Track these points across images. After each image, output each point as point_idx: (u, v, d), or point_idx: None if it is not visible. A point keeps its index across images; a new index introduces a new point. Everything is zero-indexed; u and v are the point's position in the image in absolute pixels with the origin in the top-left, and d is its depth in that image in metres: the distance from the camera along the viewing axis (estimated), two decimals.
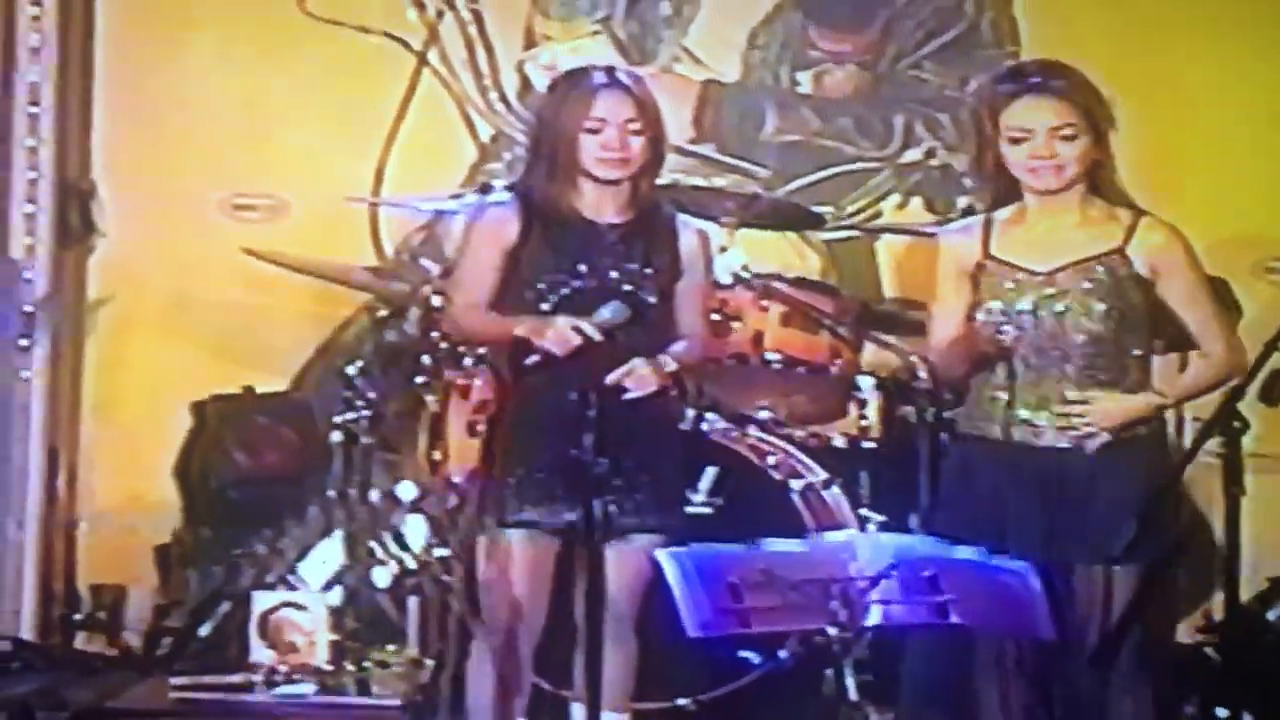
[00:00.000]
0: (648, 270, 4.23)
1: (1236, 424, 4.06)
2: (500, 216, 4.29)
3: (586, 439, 4.06)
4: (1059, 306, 4.03)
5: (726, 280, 5.31)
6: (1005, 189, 4.08)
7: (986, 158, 4.06)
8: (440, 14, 6.36)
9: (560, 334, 4.12)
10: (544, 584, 4.26)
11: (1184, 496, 4.13)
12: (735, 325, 5.31)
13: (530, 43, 6.37)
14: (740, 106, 6.34)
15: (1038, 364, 4.04)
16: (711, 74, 6.37)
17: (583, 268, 4.22)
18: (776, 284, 5.43)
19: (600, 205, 4.26)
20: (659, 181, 5.06)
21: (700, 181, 5.90)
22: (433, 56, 6.36)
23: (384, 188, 6.29)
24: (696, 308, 4.33)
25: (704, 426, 5.19)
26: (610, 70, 4.30)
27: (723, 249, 5.35)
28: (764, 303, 5.36)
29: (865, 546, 3.90)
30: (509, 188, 4.40)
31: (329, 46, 6.32)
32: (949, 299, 4.12)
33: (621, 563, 4.22)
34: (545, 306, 4.23)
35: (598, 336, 4.13)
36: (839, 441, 5.45)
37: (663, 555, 3.90)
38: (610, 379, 4.15)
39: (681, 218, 4.36)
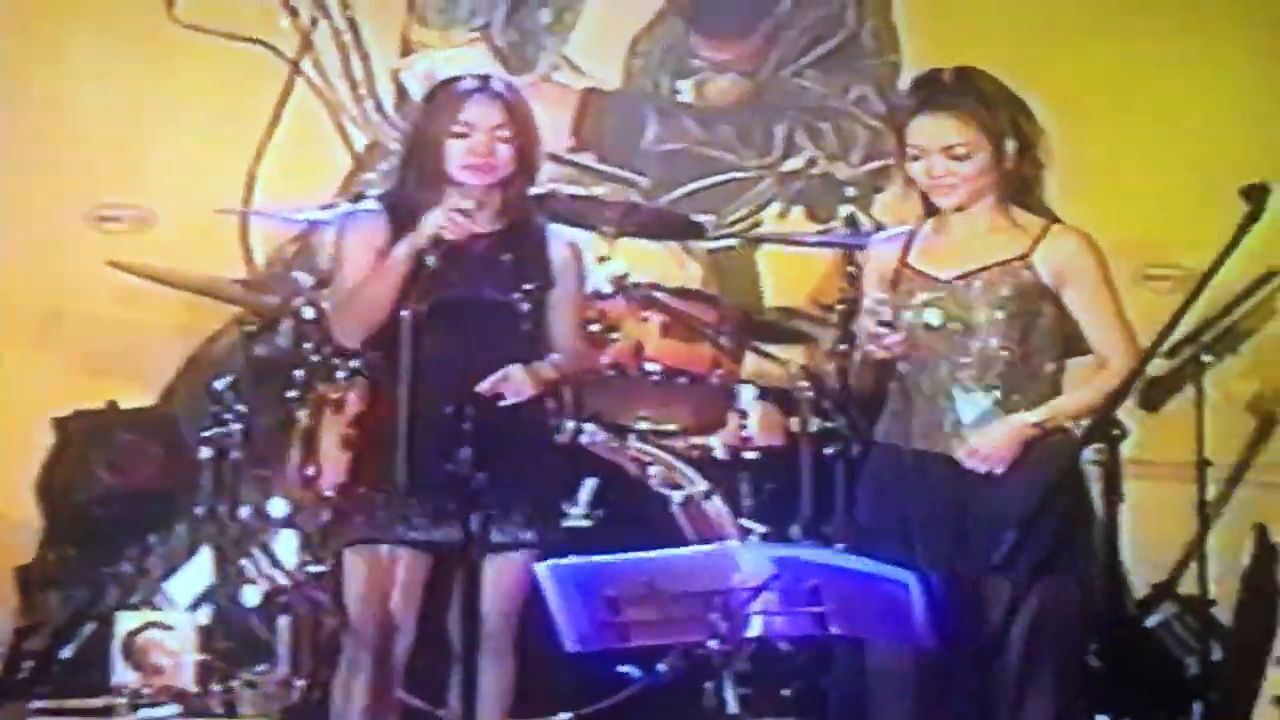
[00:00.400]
0: (519, 280, 4.24)
1: (1115, 431, 4.12)
2: (369, 224, 4.28)
3: (463, 452, 4.05)
4: (963, 314, 4.07)
5: (607, 290, 5.34)
6: (926, 203, 4.14)
7: (900, 174, 4.11)
8: (314, 21, 6.36)
9: (517, 386, 4.14)
10: (415, 601, 4.25)
11: (1080, 501, 4.13)
12: (615, 336, 5.33)
13: (406, 50, 6.37)
14: (621, 115, 6.37)
15: (942, 374, 4.08)
16: (592, 82, 6.39)
17: (453, 277, 4.21)
18: (657, 294, 5.47)
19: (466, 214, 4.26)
20: (537, 191, 5.11)
21: (580, 190, 5.95)
22: (306, 65, 6.36)
23: (255, 198, 6.27)
24: (569, 319, 4.35)
25: (583, 438, 5.20)
26: (484, 78, 4.31)
27: (602, 259, 5.38)
28: (644, 313, 5.39)
29: (747, 557, 3.90)
30: (379, 197, 4.39)
31: (202, 55, 6.31)
32: (868, 306, 4.14)
33: (498, 577, 4.22)
34: (412, 316, 4.19)
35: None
36: (720, 452, 5.47)
37: (540, 569, 3.88)
38: (484, 387, 4.16)
39: (553, 228, 4.39)
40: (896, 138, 4.08)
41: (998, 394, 4.06)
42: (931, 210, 4.12)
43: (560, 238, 4.38)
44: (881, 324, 4.02)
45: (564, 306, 4.33)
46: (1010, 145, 4.06)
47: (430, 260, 4.18)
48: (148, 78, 6.32)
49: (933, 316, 4.06)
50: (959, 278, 4.07)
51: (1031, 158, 4.09)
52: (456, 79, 4.35)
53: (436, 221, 4.18)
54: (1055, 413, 4.11)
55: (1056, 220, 4.10)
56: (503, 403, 4.17)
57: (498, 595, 4.21)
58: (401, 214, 4.27)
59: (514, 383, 4.19)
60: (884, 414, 4.16)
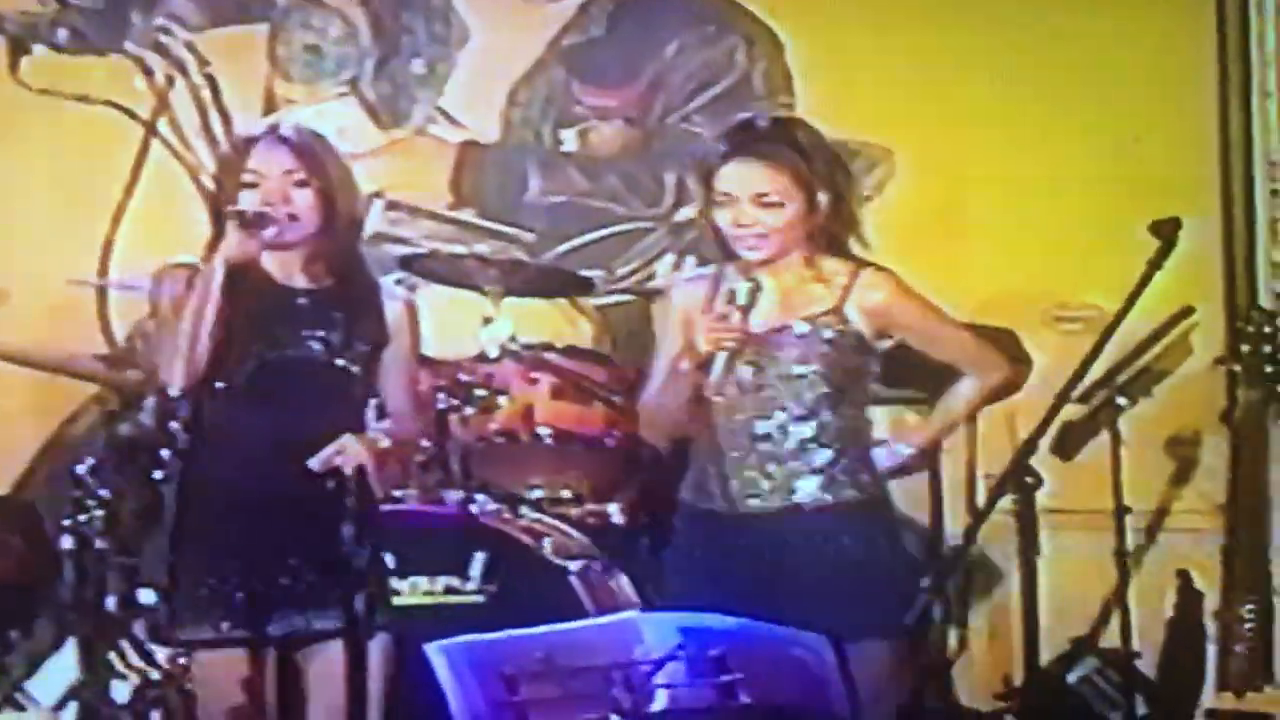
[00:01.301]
0: (350, 339, 4.20)
1: (1029, 480, 4.19)
2: (187, 279, 4.19)
3: (346, 530, 4.00)
4: (773, 372, 4.10)
5: (493, 353, 5.32)
6: (729, 251, 4.15)
7: (706, 222, 4.14)
8: (170, 80, 6.35)
9: (354, 459, 4.08)
10: (261, 700, 4.19)
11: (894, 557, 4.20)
12: (503, 400, 5.32)
13: (270, 108, 6.36)
14: (501, 168, 6.36)
15: (753, 429, 4.11)
16: (470, 134, 6.38)
17: (277, 338, 4.17)
18: (546, 355, 5.46)
19: (288, 269, 4.22)
20: (415, 250, 5.10)
21: (460, 249, 5.90)
22: (163, 126, 6.34)
23: (113, 268, 6.24)
24: (402, 381, 4.30)
25: (473, 509, 5.18)
26: (274, 125, 4.30)
27: (488, 319, 5.37)
28: (534, 375, 5.39)
29: (649, 627, 3.88)
30: (203, 256, 4.27)
31: (50, 119, 6.28)
32: (667, 349, 4.17)
33: (326, 668, 4.16)
34: (234, 380, 4.15)
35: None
36: (618, 518, 5.46)
37: (432, 649, 3.85)
38: (319, 461, 4.09)
39: (387, 284, 4.36)
40: (704, 184, 4.10)
41: (807, 452, 4.10)
42: (732, 255, 4.13)
43: (395, 295, 4.34)
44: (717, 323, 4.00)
45: (397, 368, 4.27)
46: (823, 198, 4.08)
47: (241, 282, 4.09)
48: None
49: (741, 367, 4.09)
50: (772, 331, 4.10)
51: (844, 212, 4.12)
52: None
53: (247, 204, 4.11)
54: (946, 420, 4.25)
55: (861, 266, 4.14)
56: (337, 476, 4.08)
57: (327, 687, 4.15)
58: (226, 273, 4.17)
59: (350, 456, 4.10)
60: (690, 473, 4.19)
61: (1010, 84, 6.23)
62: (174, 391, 4.16)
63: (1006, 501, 4.21)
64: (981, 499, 5.32)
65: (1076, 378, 4.11)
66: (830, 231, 4.11)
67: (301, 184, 4.17)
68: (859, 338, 4.11)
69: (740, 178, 4.07)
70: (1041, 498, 4.29)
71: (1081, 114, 6.18)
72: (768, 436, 4.11)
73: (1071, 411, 4.85)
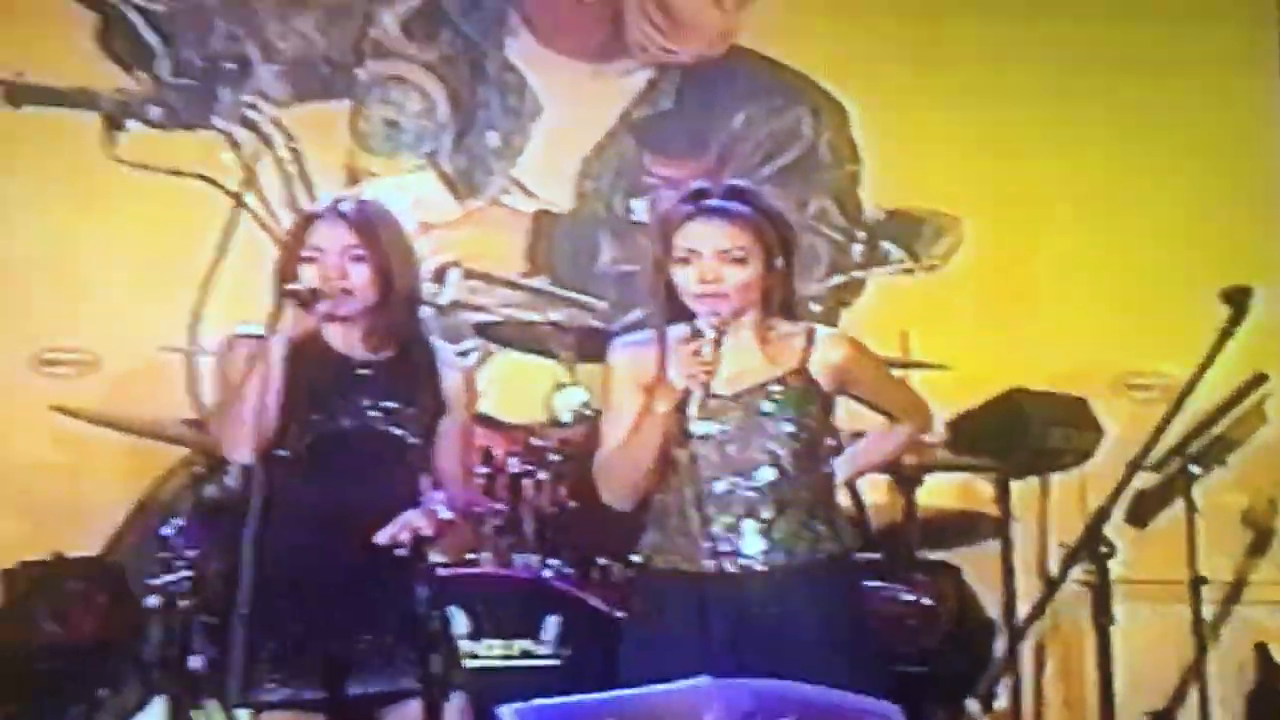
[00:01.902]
0: (408, 410, 4.08)
1: (1103, 549, 3.97)
2: (253, 348, 4.05)
3: (420, 592, 3.89)
4: (744, 429, 3.94)
5: (566, 418, 5.17)
6: (678, 311, 3.99)
7: (660, 279, 3.98)
8: (257, 154, 6.24)
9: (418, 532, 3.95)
10: None
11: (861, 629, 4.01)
12: (576, 465, 5.10)
13: (352, 179, 6.24)
14: (574, 237, 6.26)
15: (722, 487, 3.94)
16: (544, 204, 6.28)
17: (337, 408, 4.06)
18: None
19: (348, 341, 4.11)
20: (490, 318, 4.91)
21: (535, 316, 5.75)
22: (249, 197, 6.22)
23: (201, 337, 6.11)
24: (456, 450, 4.16)
25: (546, 573, 5.00)
26: (337, 199, 4.17)
27: (561, 385, 5.22)
28: None
29: (721, 693, 3.62)
30: (267, 326, 4.12)
31: (142, 192, 6.17)
32: (623, 412, 3.98)
33: None
34: (296, 449, 4.03)
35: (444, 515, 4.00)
36: None
37: (506, 712, 3.63)
38: (385, 536, 3.94)
39: (444, 355, 4.20)
40: (663, 244, 3.95)
41: (781, 509, 3.95)
42: (678, 318, 3.96)
43: (453, 365, 4.20)
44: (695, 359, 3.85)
45: (454, 438, 4.15)
46: (779, 261, 3.97)
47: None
48: (88, 217, 6.18)
49: (710, 427, 3.93)
50: (741, 393, 3.95)
51: (791, 278, 4.02)
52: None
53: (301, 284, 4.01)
54: (862, 464, 4.19)
55: (814, 327, 4.03)
56: (399, 550, 3.94)
57: None
58: (288, 345, 4.05)
59: (413, 529, 3.96)
60: (648, 533, 4.01)
61: (1079, 153, 6.08)
62: (241, 462, 4.05)
63: (1080, 571, 4.00)
64: (1054, 568, 5.05)
65: (1149, 446, 3.94)
66: (782, 294, 3.99)
67: (358, 259, 4.05)
68: (823, 394, 3.99)
69: (705, 235, 3.93)
70: (1115, 567, 4.06)
71: (1151, 182, 6.05)
72: (742, 492, 3.94)
73: (1145, 480, 4.62)
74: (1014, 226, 6.04)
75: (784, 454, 3.93)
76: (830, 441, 4.06)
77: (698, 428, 3.90)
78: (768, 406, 3.93)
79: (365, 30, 6.24)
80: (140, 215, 6.15)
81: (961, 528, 5.42)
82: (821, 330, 4.02)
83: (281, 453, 4.01)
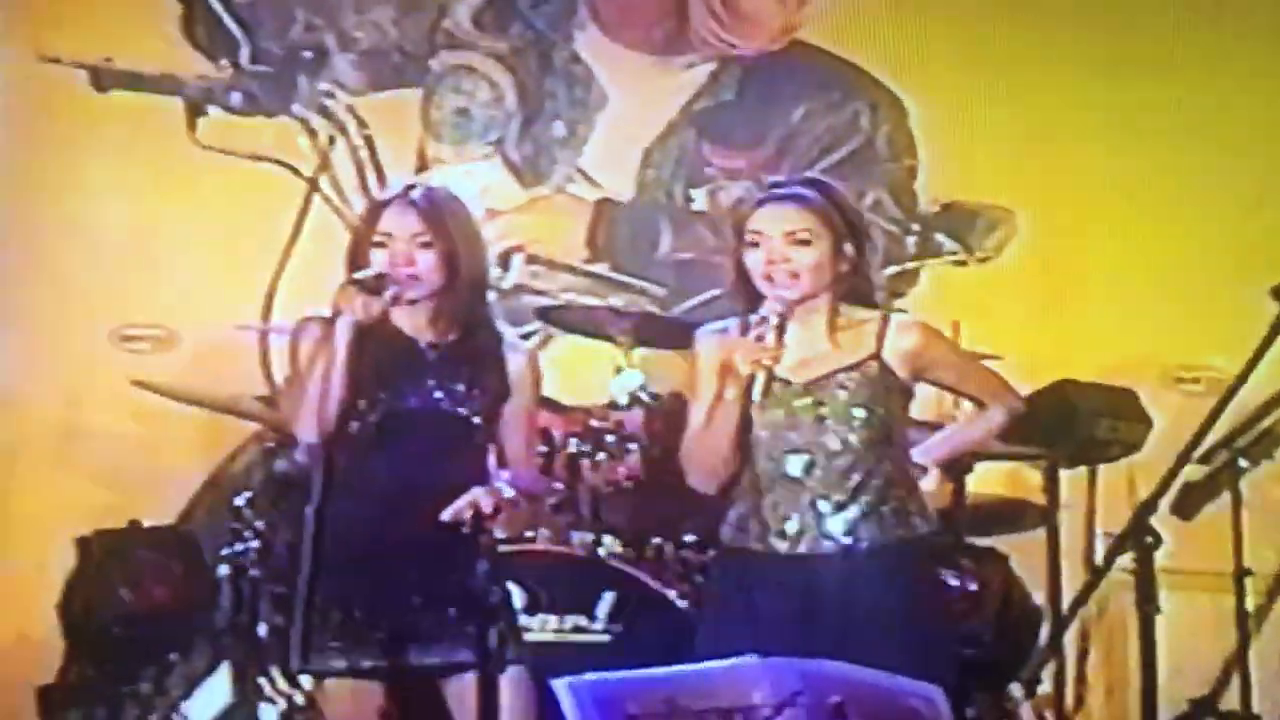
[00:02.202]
0: (474, 391, 4.05)
1: (1149, 539, 3.86)
2: (324, 330, 4.04)
3: (480, 567, 3.86)
4: (818, 415, 3.90)
5: (624, 401, 5.10)
6: (754, 298, 3.96)
7: (739, 265, 3.96)
8: (332, 140, 6.21)
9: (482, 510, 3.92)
10: None
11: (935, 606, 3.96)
12: (631, 447, 5.08)
13: (422, 167, 6.19)
14: (635, 225, 6.19)
15: (795, 471, 3.90)
16: (606, 193, 6.22)
17: (404, 388, 4.03)
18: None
19: (416, 324, 4.08)
20: (552, 303, 4.87)
21: (595, 301, 5.72)
22: (324, 183, 6.19)
23: (274, 315, 6.09)
24: (522, 432, 4.14)
25: (600, 551, 4.94)
26: (408, 187, 4.12)
27: (619, 369, 5.15)
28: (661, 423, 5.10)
29: (770, 672, 3.55)
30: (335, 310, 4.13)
31: (220, 175, 6.15)
32: (707, 397, 3.96)
33: (511, 693, 3.94)
34: (363, 427, 4.00)
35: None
36: None
37: (559, 686, 3.57)
38: (450, 514, 3.92)
39: (509, 339, 4.17)
40: (735, 232, 3.94)
41: (854, 493, 3.90)
42: (756, 305, 3.92)
43: (518, 348, 4.17)
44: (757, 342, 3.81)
45: (517, 419, 4.12)
46: (849, 248, 3.94)
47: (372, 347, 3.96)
48: (167, 198, 6.17)
49: (777, 415, 3.90)
50: (814, 380, 3.90)
51: (864, 268, 3.98)
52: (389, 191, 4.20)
53: (367, 273, 3.98)
54: (955, 448, 4.10)
55: (889, 314, 3.97)
56: (483, 525, 3.93)
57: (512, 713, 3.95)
58: (356, 325, 4.03)
59: (478, 507, 3.94)
60: (731, 514, 3.97)
61: (1132, 147, 5.96)
62: (307, 441, 4.03)
63: (1126, 560, 3.88)
64: (1100, 557, 4.95)
65: (1197, 439, 3.83)
66: (853, 282, 3.95)
67: (425, 245, 4.02)
68: (899, 381, 3.93)
69: (772, 218, 3.93)
70: (1161, 557, 3.94)
71: (1203, 177, 5.91)
72: (816, 477, 3.90)
73: (1192, 472, 4.51)
74: (1065, 220, 5.93)
75: (855, 440, 3.88)
76: (905, 429, 3.99)
77: (768, 414, 3.87)
78: (840, 394, 3.88)
79: (438, 22, 6.21)
80: (219, 198, 6.14)
81: (1009, 515, 5.33)
82: (896, 317, 3.97)
83: (351, 429, 3.98)
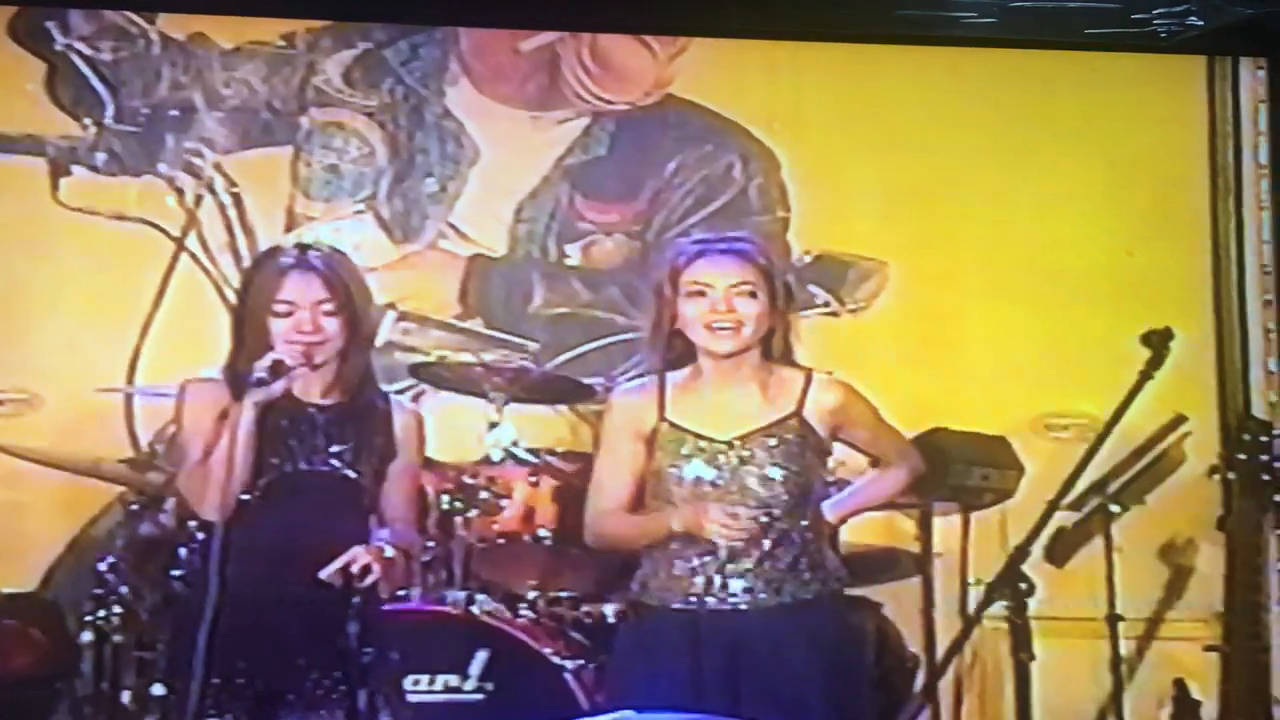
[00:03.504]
0: (361, 452, 4.00)
1: (1022, 585, 3.88)
2: (210, 391, 4.01)
3: (351, 628, 3.82)
4: (740, 472, 3.89)
5: (497, 456, 5.06)
6: (680, 353, 3.96)
7: (664, 319, 3.94)
8: (199, 199, 6.11)
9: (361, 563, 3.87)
10: None
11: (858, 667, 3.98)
12: (505, 503, 5.04)
13: (292, 224, 6.11)
14: (508, 280, 6.14)
15: (715, 528, 3.85)
16: (478, 249, 6.17)
17: (296, 452, 3.98)
18: (548, 459, 5.19)
19: (307, 386, 4.02)
20: (422, 359, 4.79)
21: (468, 357, 5.65)
22: (191, 241, 6.09)
23: (139, 376, 5.98)
24: (405, 490, 4.09)
25: (474, 609, 4.86)
26: (302, 249, 4.05)
27: (493, 424, 5.09)
28: (534, 478, 5.10)
29: None
30: (222, 369, 4.07)
31: (85, 236, 6.04)
32: (620, 461, 3.95)
33: None
34: (253, 491, 3.94)
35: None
36: (612, 619, 5.05)
37: None
38: (330, 572, 3.86)
39: (396, 398, 4.16)
40: (670, 285, 3.91)
41: (772, 549, 3.88)
42: (675, 364, 3.93)
43: (404, 407, 4.15)
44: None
45: (401, 476, 4.07)
46: (782, 302, 3.96)
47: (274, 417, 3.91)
48: (32, 261, 6.04)
49: (705, 472, 3.88)
50: (738, 437, 3.89)
51: (789, 325, 3.99)
52: (272, 251, 4.12)
53: (265, 366, 3.93)
54: (856, 506, 4.07)
55: (811, 372, 3.96)
56: (361, 583, 3.86)
57: None
58: (239, 386, 3.98)
59: (361, 566, 3.87)
60: (641, 571, 3.94)
61: (1004, 198, 5.98)
62: (210, 519, 3.92)
63: (999, 608, 3.88)
64: (973, 605, 4.93)
65: (1069, 485, 3.86)
66: (781, 334, 3.95)
67: (330, 313, 3.97)
68: (818, 440, 3.92)
69: (715, 269, 3.93)
70: (1034, 604, 3.97)
71: (1074, 226, 5.93)
72: (732, 532, 3.84)
73: (1064, 518, 4.51)
74: (938, 270, 5.94)
75: (773, 499, 3.86)
76: (821, 485, 3.99)
77: (689, 468, 3.86)
78: (760, 454, 3.87)
79: (308, 78, 6.14)
80: (84, 258, 6.03)
81: (883, 563, 5.30)
82: (818, 375, 3.96)
83: (243, 496, 3.92)
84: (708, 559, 3.85)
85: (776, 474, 3.86)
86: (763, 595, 3.84)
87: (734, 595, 3.85)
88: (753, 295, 3.90)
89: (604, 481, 3.94)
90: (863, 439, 4.02)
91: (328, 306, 3.95)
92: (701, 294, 3.90)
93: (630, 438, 3.91)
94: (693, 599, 3.85)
